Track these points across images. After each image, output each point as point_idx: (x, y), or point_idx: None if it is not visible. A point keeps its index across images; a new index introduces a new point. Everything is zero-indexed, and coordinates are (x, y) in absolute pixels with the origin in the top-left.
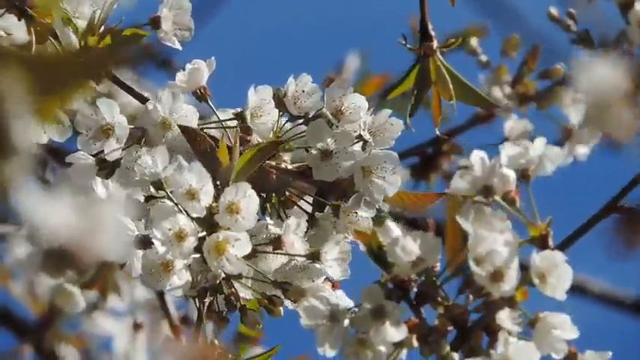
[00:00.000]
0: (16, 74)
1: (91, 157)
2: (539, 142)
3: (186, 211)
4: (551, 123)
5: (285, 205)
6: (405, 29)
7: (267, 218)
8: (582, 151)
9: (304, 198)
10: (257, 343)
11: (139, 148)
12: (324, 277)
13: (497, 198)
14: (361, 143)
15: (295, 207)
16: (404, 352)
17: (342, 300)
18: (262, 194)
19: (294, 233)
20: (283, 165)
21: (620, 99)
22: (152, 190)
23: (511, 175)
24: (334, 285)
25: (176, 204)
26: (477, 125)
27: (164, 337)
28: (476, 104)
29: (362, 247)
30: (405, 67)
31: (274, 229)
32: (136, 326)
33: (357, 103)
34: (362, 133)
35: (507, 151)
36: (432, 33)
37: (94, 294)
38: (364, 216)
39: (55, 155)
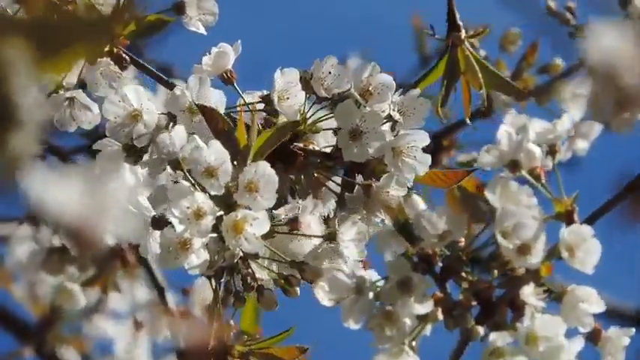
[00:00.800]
0: (22, 43)
1: (118, 143)
2: (567, 118)
3: (204, 190)
4: (550, 118)
5: (313, 187)
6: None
7: (299, 200)
8: (582, 145)
9: (333, 179)
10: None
11: (167, 133)
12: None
13: (524, 173)
14: (390, 123)
15: (324, 188)
16: (428, 325)
17: (367, 274)
18: (291, 176)
19: (311, 214)
20: (311, 147)
21: (631, 69)
22: (169, 169)
23: (537, 150)
24: (365, 265)
25: (193, 183)
26: (476, 120)
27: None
28: (505, 93)
29: (388, 220)
30: (407, 67)
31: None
32: (137, 325)
33: (384, 82)
34: (392, 113)
35: (535, 126)
36: (460, 23)
37: (95, 292)
38: (396, 195)
39: (57, 154)
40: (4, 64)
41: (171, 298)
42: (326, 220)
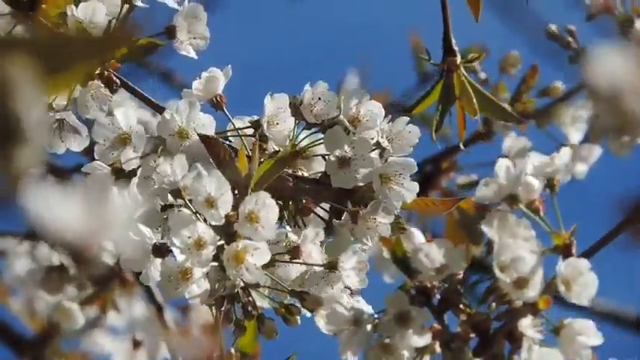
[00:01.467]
0: (23, 60)
1: (108, 166)
2: (566, 152)
3: (204, 220)
4: (550, 141)
5: (302, 213)
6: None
7: (287, 227)
8: (581, 169)
9: (321, 206)
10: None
11: (156, 157)
12: (343, 285)
13: (522, 206)
14: (378, 150)
15: (312, 215)
16: (426, 358)
17: (363, 306)
18: (279, 202)
19: (312, 243)
20: (300, 173)
21: (631, 93)
22: (170, 198)
23: (536, 184)
24: (352, 292)
25: (195, 212)
26: (476, 143)
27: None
28: (500, 118)
29: (385, 254)
30: (405, 85)
31: (293, 237)
32: (135, 344)
33: (373, 110)
34: (380, 140)
35: (533, 159)
36: (455, 48)
37: (94, 311)
38: (383, 222)
39: (56, 172)
40: (7, 82)
41: (169, 316)
42: None
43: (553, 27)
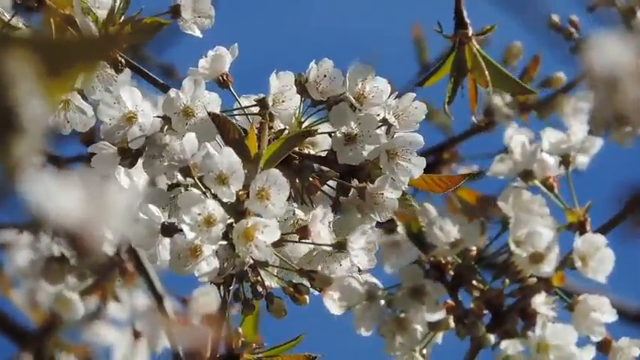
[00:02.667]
0: (24, 57)
1: (113, 146)
2: (581, 128)
3: (214, 197)
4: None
5: (308, 191)
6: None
7: (294, 204)
8: (583, 159)
9: (328, 183)
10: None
11: (162, 135)
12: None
13: (537, 183)
14: (384, 127)
15: (319, 192)
16: (440, 333)
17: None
18: (286, 180)
19: (320, 222)
20: (306, 150)
21: (632, 82)
22: (179, 177)
23: (551, 160)
24: (360, 271)
25: (204, 191)
26: (478, 134)
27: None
28: (512, 92)
29: (400, 228)
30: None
31: (301, 215)
32: (136, 333)
33: (379, 86)
34: (387, 116)
35: (549, 136)
36: (467, 20)
37: (94, 301)
38: (390, 197)
39: (56, 162)
40: (8, 75)
41: (169, 306)
42: None
43: (555, 17)
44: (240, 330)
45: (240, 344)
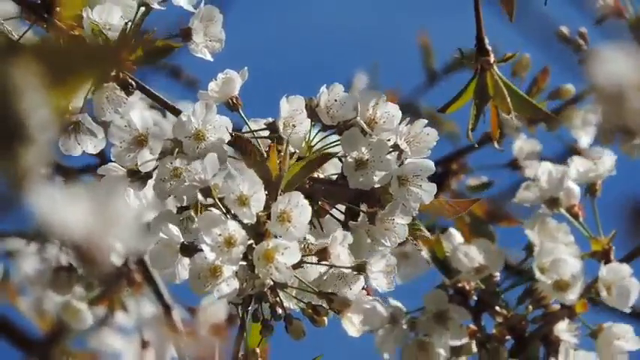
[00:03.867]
0: (30, 65)
1: (123, 168)
2: (609, 158)
3: (235, 218)
4: (560, 143)
5: (318, 214)
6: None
7: None
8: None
9: (336, 207)
10: None
11: (172, 159)
12: (362, 285)
13: (563, 211)
14: (395, 152)
15: (328, 215)
16: (463, 358)
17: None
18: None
19: (340, 245)
20: (316, 174)
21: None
22: (200, 197)
23: (576, 189)
24: (368, 293)
25: (224, 212)
26: (486, 145)
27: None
28: (533, 116)
29: (425, 254)
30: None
31: (311, 239)
32: (144, 344)
33: (390, 112)
34: (398, 142)
35: (577, 164)
36: (489, 47)
37: (102, 310)
38: (400, 223)
39: (64, 173)
40: (15, 84)
41: (177, 316)
42: None
43: (564, 29)
44: (257, 350)
45: None
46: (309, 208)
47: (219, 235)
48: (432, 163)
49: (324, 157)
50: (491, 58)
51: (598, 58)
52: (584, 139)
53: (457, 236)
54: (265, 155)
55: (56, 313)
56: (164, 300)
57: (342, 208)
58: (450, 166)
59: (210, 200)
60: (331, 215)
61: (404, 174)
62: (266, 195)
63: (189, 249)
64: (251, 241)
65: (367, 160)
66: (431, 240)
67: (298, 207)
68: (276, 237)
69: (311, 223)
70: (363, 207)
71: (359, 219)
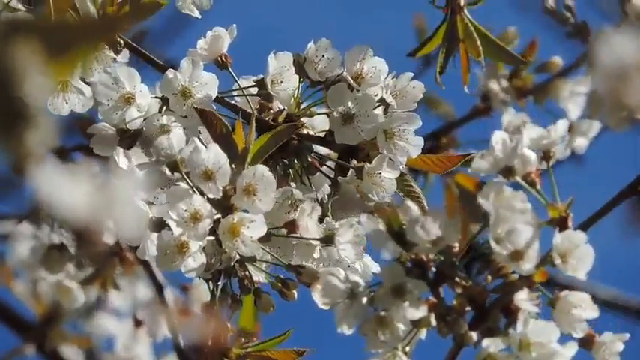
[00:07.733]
0: (28, 43)
1: (112, 127)
2: (562, 124)
3: (202, 193)
4: (548, 116)
5: (307, 171)
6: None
7: (292, 184)
8: (582, 143)
9: (327, 163)
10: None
11: (159, 116)
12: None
13: (518, 179)
14: (382, 107)
15: (318, 172)
16: (422, 330)
17: (370, 266)
18: (284, 160)
19: (308, 217)
20: (305, 131)
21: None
22: (167, 171)
23: (532, 156)
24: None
25: (191, 186)
26: (475, 119)
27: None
28: (504, 61)
29: (381, 226)
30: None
31: (299, 195)
32: (137, 322)
33: (377, 66)
34: (384, 96)
35: (530, 132)
36: None
37: (94, 290)
38: (388, 177)
39: (58, 152)
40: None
41: (170, 295)
42: (320, 204)
43: (551, 2)
44: (229, 324)
45: (229, 338)
46: (274, 182)
47: (185, 210)
48: (417, 116)
49: (290, 128)
50: (462, 1)
51: (598, 37)
52: (573, 111)
53: (413, 208)
54: (230, 128)
55: (51, 295)
56: (156, 279)
57: (333, 164)
58: (440, 141)
59: (177, 175)
60: (321, 172)
61: (390, 127)
62: (232, 169)
63: (158, 224)
64: (218, 216)
65: (354, 114)
66: (387, 211)
67: (263, 180)
68: (245, 211)
69: (300, 179)
70: (353, 162)
71: (348, 175)
